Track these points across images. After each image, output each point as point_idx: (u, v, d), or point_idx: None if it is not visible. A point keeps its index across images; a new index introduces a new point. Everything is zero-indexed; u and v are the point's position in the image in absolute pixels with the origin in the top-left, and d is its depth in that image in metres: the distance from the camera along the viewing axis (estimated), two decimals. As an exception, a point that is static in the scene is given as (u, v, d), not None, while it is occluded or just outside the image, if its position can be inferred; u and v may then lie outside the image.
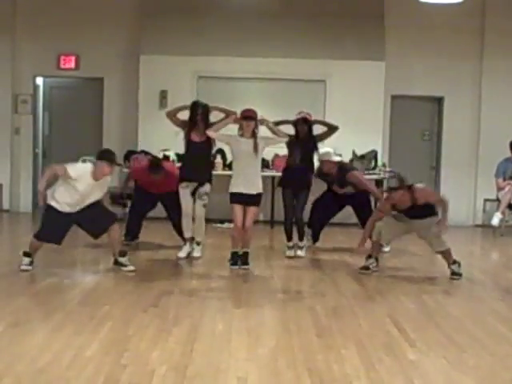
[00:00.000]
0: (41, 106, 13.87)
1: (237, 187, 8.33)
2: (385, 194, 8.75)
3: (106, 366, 4.81)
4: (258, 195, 8.41)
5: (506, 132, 12.68)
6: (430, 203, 8.24)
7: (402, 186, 8.18)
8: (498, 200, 12.36)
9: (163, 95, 12.72)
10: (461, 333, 5.95)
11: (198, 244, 9.10)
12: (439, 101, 13.60)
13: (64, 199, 7.70)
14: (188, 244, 9.09)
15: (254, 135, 8.32)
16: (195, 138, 8.88)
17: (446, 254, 8.35)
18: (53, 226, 7.80)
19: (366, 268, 8.37)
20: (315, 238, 10.10)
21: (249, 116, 8.33)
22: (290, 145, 9.25)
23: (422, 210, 8.18)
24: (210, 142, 8.90)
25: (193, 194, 8.93)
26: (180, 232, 9.36)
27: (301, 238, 9.43)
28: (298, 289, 7.66)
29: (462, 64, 13.26)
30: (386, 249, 9.48)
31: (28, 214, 13.33)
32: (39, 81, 13.69)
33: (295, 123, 9.27)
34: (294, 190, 9.30)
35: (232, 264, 8.41)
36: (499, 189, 12.31)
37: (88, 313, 6.19)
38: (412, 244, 9.72)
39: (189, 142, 8.92)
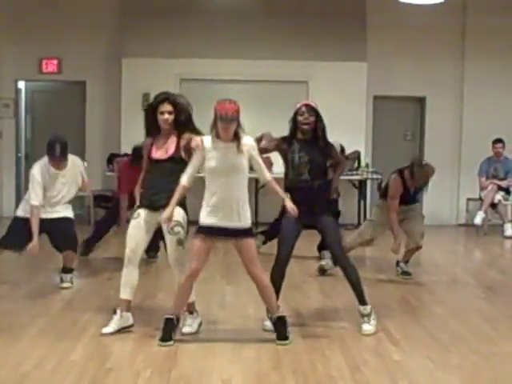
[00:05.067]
0: (23, 110, 13.79)
1: (208, 218, 5.45)
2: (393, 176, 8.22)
3: (90, 371, 4.80)
4: (248, 230, 5.53)
5: (488, 131, 12.73)
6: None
7: (418, 165, 8.07)
8: (480, 199, 12.41)
9: (146, 98, 12.62)
10: (444, 332, 5.98)
11: (191, 312, 5.86)
12: (421, 101, 13.65)
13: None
14: (119, 313, 5.73)
15: (237, 137, 5.43)
16: (155, 153, 5.81)
17: (416, 250, 8.37)
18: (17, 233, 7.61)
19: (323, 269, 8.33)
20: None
21: (226, 117, 5.36)
22: (285, 151, 6.11)
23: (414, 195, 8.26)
24: (176, 159, 5.73)
25: (159, 230, 5.83)
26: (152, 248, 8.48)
27: (362, 301, 5.97)
28: (283, 291, 7.62)
29: (443, 64, 13.30)
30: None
31: (11, 218, 13.20)
32: (21, 85, 13.61)
33: (295, 113, 6.12)
34: (306, 220, 5.93)
35: (162, 339, 5.40)
36: (482, 188, 12.37)
37: (71, 318, 6.18)
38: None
39: (149, 159, 5.88)
